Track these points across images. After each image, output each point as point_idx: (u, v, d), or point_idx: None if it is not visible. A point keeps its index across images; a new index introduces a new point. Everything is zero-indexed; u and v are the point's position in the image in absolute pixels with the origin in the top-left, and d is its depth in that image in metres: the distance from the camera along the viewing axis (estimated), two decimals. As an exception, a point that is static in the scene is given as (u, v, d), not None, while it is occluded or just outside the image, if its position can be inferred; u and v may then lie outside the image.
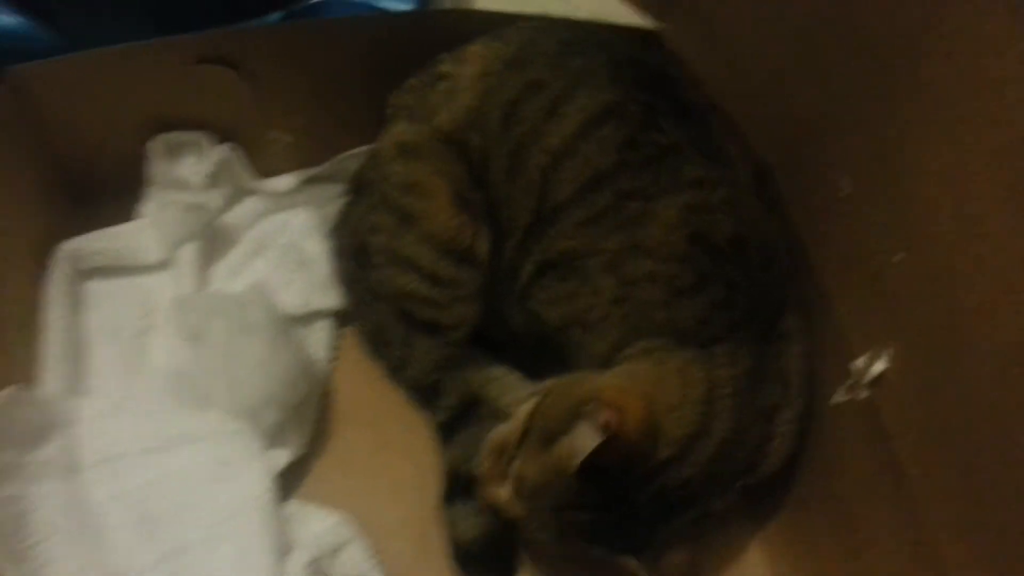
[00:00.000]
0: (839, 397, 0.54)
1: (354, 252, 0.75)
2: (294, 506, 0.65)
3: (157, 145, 0.78)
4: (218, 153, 0.80)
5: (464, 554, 0.64)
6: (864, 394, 0.51)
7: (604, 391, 0.54)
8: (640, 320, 0.60)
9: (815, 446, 0.60)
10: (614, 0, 0.74)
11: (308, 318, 0.77)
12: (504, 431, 0.60)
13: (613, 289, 0.61)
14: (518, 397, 0.63)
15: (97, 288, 0.77)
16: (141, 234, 0.78)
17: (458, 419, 0.68)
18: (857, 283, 0.53)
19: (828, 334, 0.56)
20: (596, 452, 0.51)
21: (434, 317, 0.69)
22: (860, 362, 0.51)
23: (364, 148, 0.79)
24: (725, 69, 0.65)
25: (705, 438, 0.56)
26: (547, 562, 0.65)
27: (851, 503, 0.56)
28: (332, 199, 0.82)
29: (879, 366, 0.49)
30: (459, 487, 0.65)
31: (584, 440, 0.52)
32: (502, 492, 0.59)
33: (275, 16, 0.84)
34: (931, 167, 0.44)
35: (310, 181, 0.84)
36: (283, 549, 0.61)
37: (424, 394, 0.71)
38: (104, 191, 0.80)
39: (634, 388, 0.56)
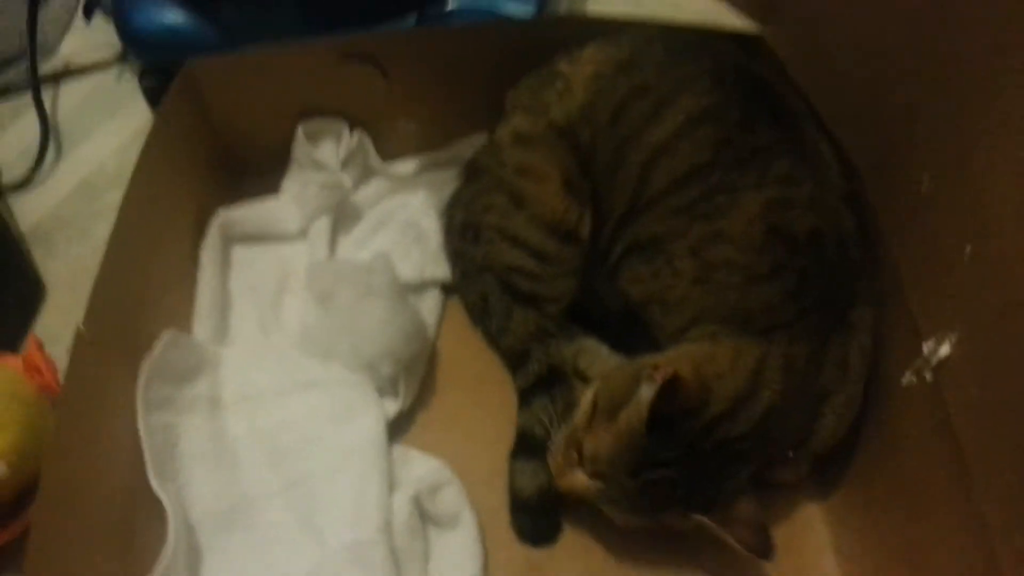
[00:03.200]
0: (907, 379, 0.56)
1: (462, 229, 0.82)
2: (399, 450, 0.72)
3: (303, 130, 0.88)
4: (352, 139, 0.89)
5: (520, 506, 0.70)
6: (929, 377, 0.54)
7: (656, 361, 0.60)
8: (715, 302, 0.65)
9: (882, 423, 0.63)
10: (719, 5, 0.77)
11: (421, 286, 0.84)
12: (567, 429, 0.66)
13: (693, 272, 0.66)
14: (602, 370, 0.68)
15: (243, 253, 0.87)
16: (283, 208, 0.87)
17: (538, 387, 0.74)
18: (930, 274, 0.55)
19: (902, 321, 0.58)
20: (659, 399, 0.56)
21: (536, 290, 0.75)
22: (927, 347, 0.53)
23: (478, 137, 0.87)
24: (823, 72, 0.68)
25: (753, 401, 0.60)
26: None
27: (911, 476, 0.58)
28: (447, 182, 0.88)
29: (944, 351, 0.52)
30: (526, 446, 0.71)
31: (647, 398, 0.57)
32: (578, 478, 0.64)
33: (410, 21, 0.93)
34: (1000, 166, 0.46)
35: (428, 166, 0.92)
36: (390, 485, 0.68)
37: (515, 360, 0.77)
38: (254, 169, 0.90)
39: (684, 359, 0.61)
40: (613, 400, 0.62)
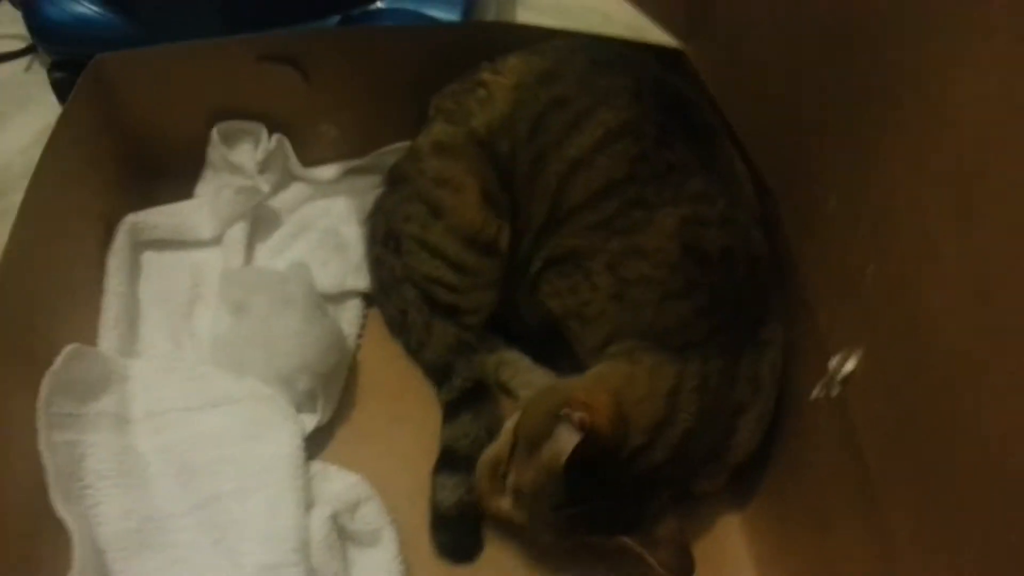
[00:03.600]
0: (815, 394, 0.58)
1: (384, 238, 0.80)
2: (318, 466, 0.70)
3: (217, 132, 0.85)
4: (271, 142, 0.86)
5: (440, 520, 0.69)
6: (836, 391, 0.55)
7: (574, 394, 0.60)
8: (631, 318, 0.65)
9: (793, 437, 0.65)
10: (645, 20, 0.78)
11: (341, 297, 0.82)
12: (492, 450, 0.66)
13: (610, 287, 0.66)
14: (525, 381, 0.69)
15: (153, 259, 0.83)
16: (196, 212, 0.84)
17: (463, 400, 0.73)
18: (836, 291, 0.57)
19: (810, 336, 0.60)
20: (577, 449, 0.56)
21: (455, 302, 0.75)
22: (833, 363, 0.55)
23: (402, 144, 0.85)
24: (740, 89, 0.69)
25: (670, 426, 0.61)
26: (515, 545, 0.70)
27: (820, 490, 0.60)
28: (369, 189, 0.87)
29: (849, 366, 0.53)
30: (450, 461, 0.71)
31: (565, 440, 0.58)
32: (503, 504, 0.64)
33: (333, 20, 0.91)
34: (901, 191, 0.48)
35: (351, 172, 0.90)
36: (307, 503, 0.67)
37: (437, 374, 0.76)
38: (167, 171, 0.87)
39: (602, 387, 0.61)
40: (532, 433, 0.62)
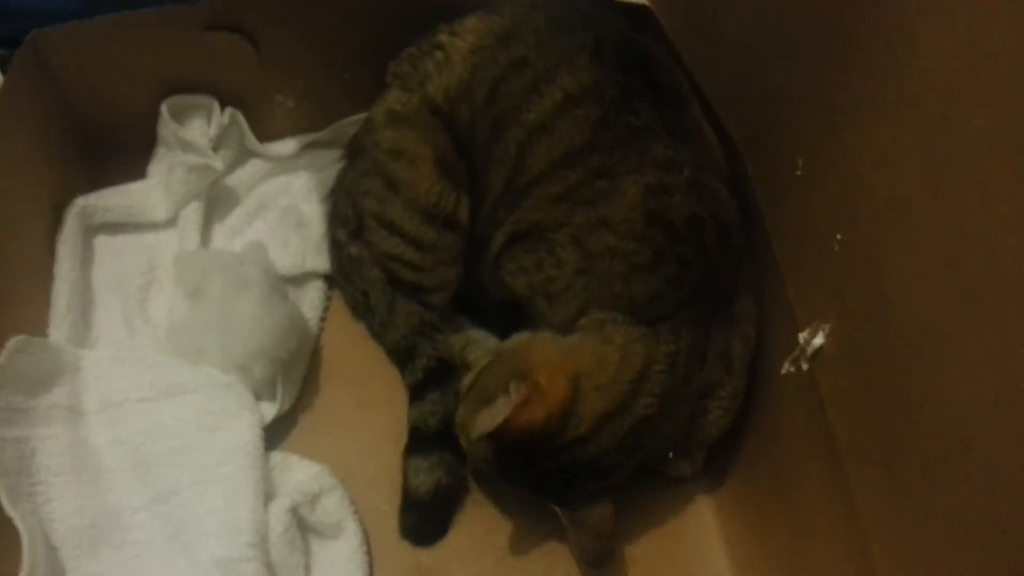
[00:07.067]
0: (785, 369, 0.56)
1: (344, 217, 0.77)
2: (278, 456, 0.68)
3: (167, 107, 0.81)
4: (224, 117, 0.82)
5: (412, 504, 0.68)
6: (806, 366, 0.53)
7: (537, 370, 0.58)
8: (599, 293, 0.62)
9: (763, 414, 0.63)
10: (610, -25, 0.74)
11: (302, 278, 0.79)
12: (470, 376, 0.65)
13: (576, 261, 0.63)
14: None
15: (105, 243, 0.80)
16: (149, 193, 0.81)
17: (429, 381, 0.71)
18: (806, 260, 0.54)
19: (780, 308, 0.58)
20: (495, 431, 0.55)
21: (418, 280, 0.72)
22: (803, 336, 0.53)
23: (363, 115, 0.81)
24: (708, 47, 0.65)
25: (624, 414, 0.59)
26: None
27: (791, 467, 0.58)
28: (331, 164, 0.83)
29: (818, 340, 0.51)
30: (420, 442, 0.69)
31: (495, 417, 0.56)
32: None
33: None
34: (869, 149, 0.45)
35: (311, 146, 0.86)
36: (266, 495, 0.65)
37: (401, 356, 0.74)
38: (117, 150, 0.83)
39: (567, 367, 0.59)
40: (486, 387, 0.61)
